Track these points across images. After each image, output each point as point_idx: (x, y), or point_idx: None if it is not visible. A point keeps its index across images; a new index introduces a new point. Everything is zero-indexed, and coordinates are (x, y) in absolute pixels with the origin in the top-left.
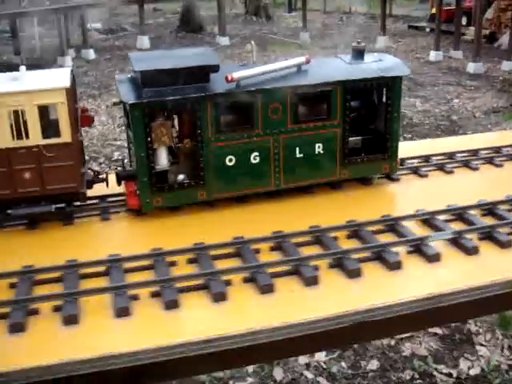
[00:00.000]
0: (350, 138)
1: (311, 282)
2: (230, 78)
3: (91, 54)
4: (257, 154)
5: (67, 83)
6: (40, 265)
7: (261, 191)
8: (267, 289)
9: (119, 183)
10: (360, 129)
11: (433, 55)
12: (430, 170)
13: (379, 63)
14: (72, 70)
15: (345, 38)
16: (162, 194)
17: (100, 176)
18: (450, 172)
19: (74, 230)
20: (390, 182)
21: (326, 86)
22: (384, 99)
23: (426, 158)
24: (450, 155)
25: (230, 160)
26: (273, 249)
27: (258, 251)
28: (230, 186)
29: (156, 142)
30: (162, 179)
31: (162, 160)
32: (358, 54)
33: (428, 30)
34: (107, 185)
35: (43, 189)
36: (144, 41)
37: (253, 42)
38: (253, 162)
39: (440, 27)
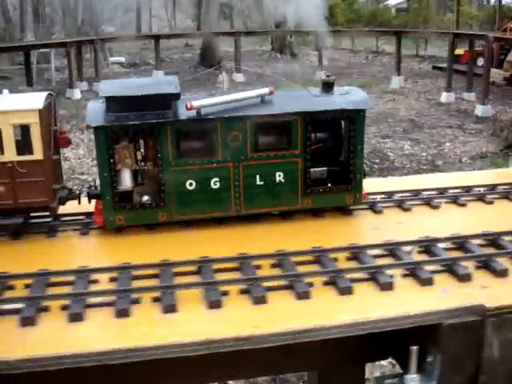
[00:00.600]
0: (316, 169)
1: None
2: (189, 106)
3: None
4: (217, 179)
5: (40, 105)
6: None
7: (221, 216)
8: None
9: (89, 201)
10: (326, 160)
11: (444, 96)
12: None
13: (344, 96)
14: (51, 94)
15: (362, 77)
16: (124, 212)
17: (73, 193)
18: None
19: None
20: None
21: (285, 116)
22: (347, 132)
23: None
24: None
25: (191, 184)
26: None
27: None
28: (191, 209)
29: (119, 163)
30: (125, 199)
31: (125, 181)
32: (327, 86)
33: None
34: (79, 202)
35: (16, 202)
36: (159, 75)
37: (224, 73)
38: (213, 187)
39: (452, 68)
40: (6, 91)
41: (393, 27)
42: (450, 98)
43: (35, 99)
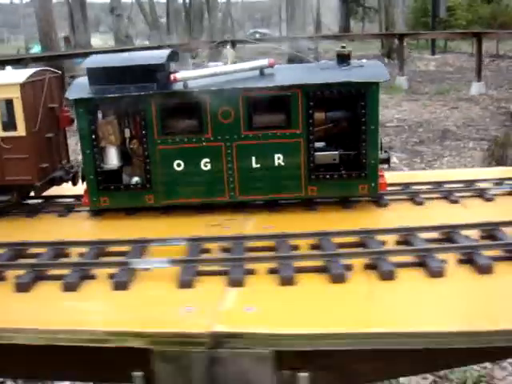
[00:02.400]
0: (325, 153)
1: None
2: (173, 78)
3: None
4: (207, 160)
5: (22, 79)
6: None
7: (213, 201)
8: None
9: (82, 182)
10: (341, 143)
11: None
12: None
13: (356, 69)
14: (52, 71)
15: (447, 84)
16: (108, 194)
17: (69, 174)
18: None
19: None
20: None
21: (284, 90)
22: (359, 110)
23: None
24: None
25: (179, 165)
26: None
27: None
28: (179, 192)
29: (103, 140)
30: (113, 179)
31: (111, 159)
32: (342, 58)
33: None
34: (74, 184)
35: (3, 179)
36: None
37: (228, 47)
38: (203, 168)
39: None
40: (8, 67)
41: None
42: None
43: (20, 74)
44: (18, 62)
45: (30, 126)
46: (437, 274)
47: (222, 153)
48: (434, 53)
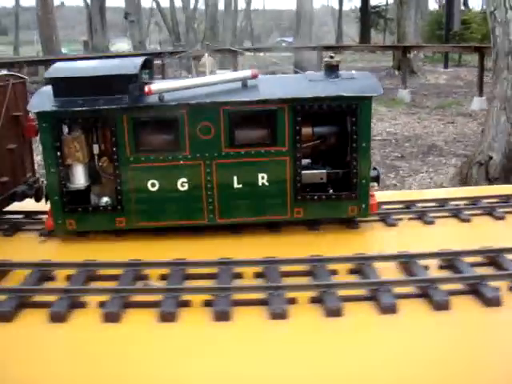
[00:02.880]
0: (312, 171)
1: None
2: (147, 90)
3: None
4: (185, 180)
5: None
6: None
7: (190, 225)
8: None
9: (46, 201)
10: (328, 161)
11: None
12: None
13: (347, 81)
14: (17, 76)
15: (450, 98)
16: (75, 216)
17: (31, 190)
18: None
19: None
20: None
21: (269, 104)
22: (348, 125)
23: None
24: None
25: (153, 185)
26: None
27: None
28: (153, 215)
29: (69, 157)
30: (79, 200)
31: (77, 178)
32: (330, 69)
33: None
34: (37, 200)
35: None
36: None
37: (206, 55)
38: (180, 189)
39: None
40: None
41: None
42: None
43: None
44: (13, 66)
45: None
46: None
47: (201, 172)
48: (446, 66)
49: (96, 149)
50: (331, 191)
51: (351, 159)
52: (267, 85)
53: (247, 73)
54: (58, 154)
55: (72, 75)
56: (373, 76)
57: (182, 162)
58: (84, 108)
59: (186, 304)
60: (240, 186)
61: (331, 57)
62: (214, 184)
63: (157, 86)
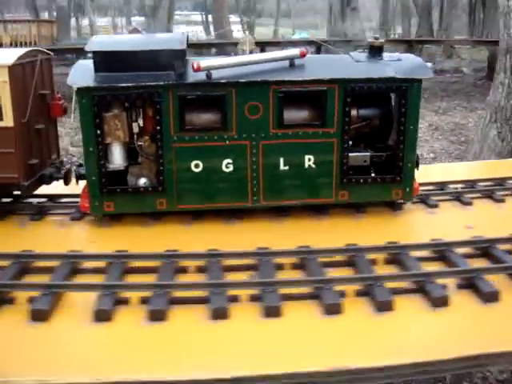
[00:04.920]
0: (356, 154)
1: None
2: (196, 67)
3: None
4: (230, 161)
5: (10, 61)
6: None
7: (234, 207)
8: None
9: (77, 182)
10: (370, 143)
11: None
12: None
13: (396, 63)
14: (45, 52)
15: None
16: (114, 197)
17: (61, 172)
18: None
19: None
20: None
21: (319, 84)
22: (398, 107)
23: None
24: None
25: (197, 165)
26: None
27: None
28: (196, 197)
29: (109, 136)
30: (119, 181)
31: (117, 158)
32: (375, 51)
33: None
34: (66, 183)
35: None
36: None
37: (247, 33)
38: (225, 170)
39: None
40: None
41: None
42: None
43: (9, 54)
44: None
45: (19, 116)
46: None
47: (247, 153)
48: None
49: (136, 127)
50: (373, 174)
51: (398, 142)
52: (314, 65)
53: (295, 51)
54: (98, 132)
55: (115, 49)
56: (419, 59)
57: (228, 142)
58: (128, 84)
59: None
60: (286, 167)
61: (376, 38)
62: (260, 165)
63: (205, 62)
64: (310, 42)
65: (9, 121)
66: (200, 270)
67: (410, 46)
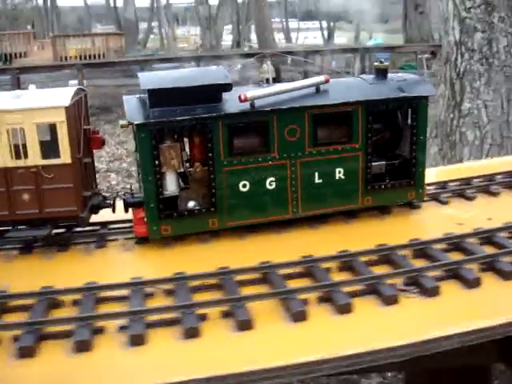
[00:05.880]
0: (374, 163)
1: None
2: (243, 98)
3: None
4: (272, 179)
5: (67, 102)
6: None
7: (277, 219)
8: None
9: (126, 210)
10: (383, 153)
11: None
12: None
13: (403, 83)
14: (83, 90)
15: None
16: (170, 221)
17: (107, 201)
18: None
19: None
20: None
21: (346, 106)
22: (409, 121)
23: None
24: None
25: (244, 185)
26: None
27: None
28: (244, 213)
29: (164, 165)
30: (170, 206)
31: (171, 185)
32: (381, 73)
33: None
34: (113, 210)
35: (42, 212)
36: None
37: (269, 62)
38: (268, 187)
39: None
40: (32, 86)
41: None
42: None
43: (62, 95)
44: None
45: (74, 152)
46: None
47: (287, 170)
48: None
49: (185, 156)
50: (391, 181)
51: (411, 150)
52: (337, 89)
53: (321, 78)
54: (156, 162)
55: (169, 86)
56: (421, 78)
57: (270, 162)
58: (183, 117)
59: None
60: (320, 180)
61: (381, 62)
62: (298, 181)
63: (250, 93)
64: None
65: (66, 158)
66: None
67: None
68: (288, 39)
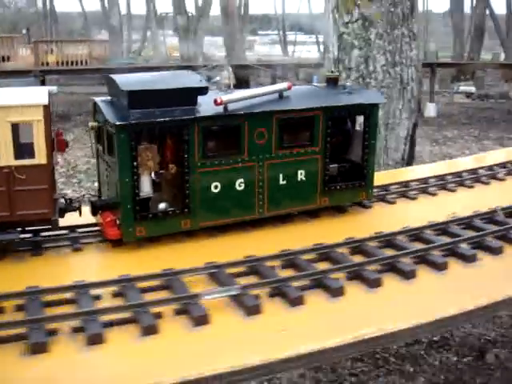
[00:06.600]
0: (331, 165)
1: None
2: (219, 101)
3: None
4: (241, 180)
5: (45, 100)
6: None
7: (245, 219)
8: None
9: (94, 213)
10: (336, 157)
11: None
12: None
13: (357, 91)
14: (49, 91)
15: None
16: (145, 223)
17: (73, 204)
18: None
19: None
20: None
21: (309, 111)
22: (360, 127)
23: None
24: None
25: (216, 187)
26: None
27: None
28: (215, 214)
29: (141, 166)
30: (143, 207)
31: (146, 186)
32: (332, 82)
33: None
34: (80, 214)
35: (13, 214)
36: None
37: (230, 69)
38: (238, 189)
39: None
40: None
41: None
42: None
43: (38, 94)
44: None
45: (49, 153)
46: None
47: (255, 172)
48: None
49: (158, 157)
50: (345, 182)
51: (362, 154)
52: (297, 95)
53: (284, 85)
54: (134, 164)
55: (148, 88)
56: (369, 87)
57: (241, 164)
58: (162, 119)
59: None
60: (284, 181)
61: (332, 71)
62: (265, 182)
63: (226, 97)
64: None
65: (42, 158)
66: None
67: (458, 70)
68: (285, 52)
